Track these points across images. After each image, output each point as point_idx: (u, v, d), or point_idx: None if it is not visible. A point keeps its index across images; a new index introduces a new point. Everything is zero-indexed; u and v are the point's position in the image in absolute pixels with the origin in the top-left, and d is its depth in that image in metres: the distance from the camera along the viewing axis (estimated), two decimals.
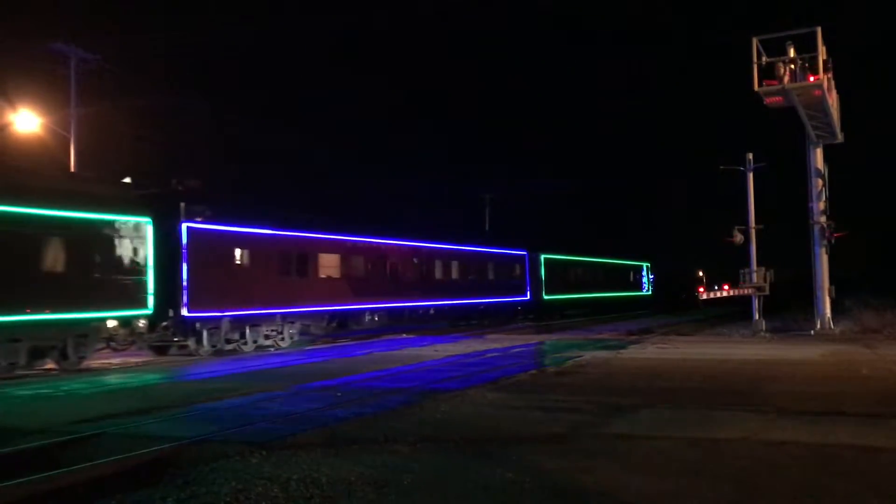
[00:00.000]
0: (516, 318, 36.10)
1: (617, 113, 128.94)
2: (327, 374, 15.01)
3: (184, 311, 18.84)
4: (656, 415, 9.85)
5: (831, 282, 24.89)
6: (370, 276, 26.24)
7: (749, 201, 26.11)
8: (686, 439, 8.21)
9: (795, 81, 22.14)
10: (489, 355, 19.23)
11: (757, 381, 13.12)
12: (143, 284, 17.92)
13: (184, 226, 19.13)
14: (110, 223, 17.31)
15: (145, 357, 19.68)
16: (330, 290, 24.22)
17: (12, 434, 9.16)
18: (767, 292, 25.72)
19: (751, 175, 26.23)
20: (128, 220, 17.71)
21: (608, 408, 10.32)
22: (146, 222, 18.15)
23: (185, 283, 18.84)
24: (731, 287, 27.67)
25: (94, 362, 17.80)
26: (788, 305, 30.62)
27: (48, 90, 30.73)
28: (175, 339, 19.51)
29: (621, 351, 19.55)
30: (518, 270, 37.00)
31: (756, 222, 26.02)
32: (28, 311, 15.35)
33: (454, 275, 31.90)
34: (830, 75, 23.09)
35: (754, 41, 22.77)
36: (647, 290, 56.95)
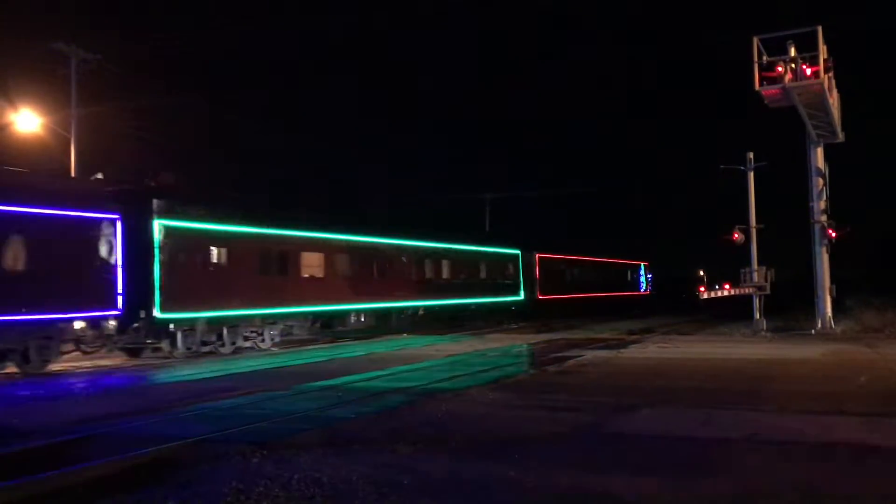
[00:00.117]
0: (510, 319, 35.36)
1: (617, 112, 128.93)
2: (327, 374, 15.00)
3: (156, 312, 18.05)
4: (658, 414, 9.84)
5: (832, 281, 24.88)
6: (356, 276, 25.48)
7: (750, 201, 26.10)
8: (687, 439, 8.20)
9: (796, 81, 22.13)
10: (490, 355, 19.21)
11: (758, 380, 13.11)
12: (112, 284, 17.22)
13: (156, 223, 18.33)
14: (75, 220, 16.63)
15: (118, 359, 18.96)
16: (313, 289, 23.45)
17: (12, 434, 9.15)
18: (768, 292, 25.72)
19: (751, 174, 26.22)
20: (94, 217, 17.04)
21: (610, 407, 10.31)
22: (114, 219, 17.47)
23: (157, 283, 18.09)
24: (731, 286, 27.66)
25: (63, 365, 17.22)
26: (789, 305, 30.58)
27: (49, 90, 30.78)
28: (148, 341, 18.75)
29: (622, 350, 19.54)
30: (511, 270, 36.38)
31: (757, 222, 26.02)
32: None
33: (445, 274, 31.12)
34: (831, 74, 23.08)
35: (755, 40, 22.75)
36: (645, 290, 56.92)
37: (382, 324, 27.11)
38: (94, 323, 17.18)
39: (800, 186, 26.17)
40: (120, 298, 17.40)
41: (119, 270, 17.42)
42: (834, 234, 24.60)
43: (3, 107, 27.79)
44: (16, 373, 15.91)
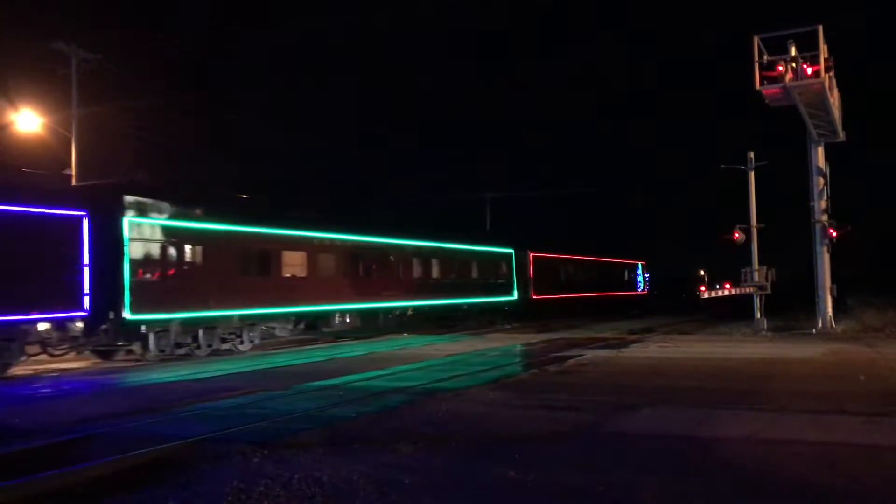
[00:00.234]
0: (503, 319, 34.68)
1: (617, 112, 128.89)
2: (327, 374, 15.00)
3: (126, 313, 17.30)
4: (658, 413, 9.84)
5: (833, 281, 24.88)
6: (340, 275, 24.71)
7: (750, 200, 26.10)
8: (688, 438, 8.20)
9: (797, 80, 22.13)
10: (490, 354, 19.22)
11: (758, 379, 13.11)
12: (78, 284, 16.56)
13: (125, 220, 17.65)
14: (38, 217, 15.96)
15: (88, 362, 18.45)
16: (295, 289, 22.68)
17: (12, 434, 9.15)
18: (769, 291, 25.72)
19: (752, 174, 26.21)
20: (59, 214, 16.39)
21: (610, 406, 10.31)
22: (81, 216, 16.82)
23: (127, 283, 17.39)
24: (732, 286, 27.67)
25: (26, 369, 16.80)
26: (790, 304, 30.58)
27: (49, 90, 30.78)
28: (119, 343, 18.04)
29: (623, 350, 19.53)
30: (505, 269, 35.61)
31: (757, 221, 26.02)
32: None
33: (434, 273, 30.28)
34: (832, 74, 23.08)
35: (756, 40, 22.75)
36: (643, 290, 56.74)
37: (369, 325, 26.43)
38: (59, 324, 16.53)
39: (800, 186, 26.21)
40: (87, 299, 16.72)
41: (86, 270, 16.76)
42: (835, 234, 24.60)
43: (4, 106, 27.80)
44: None
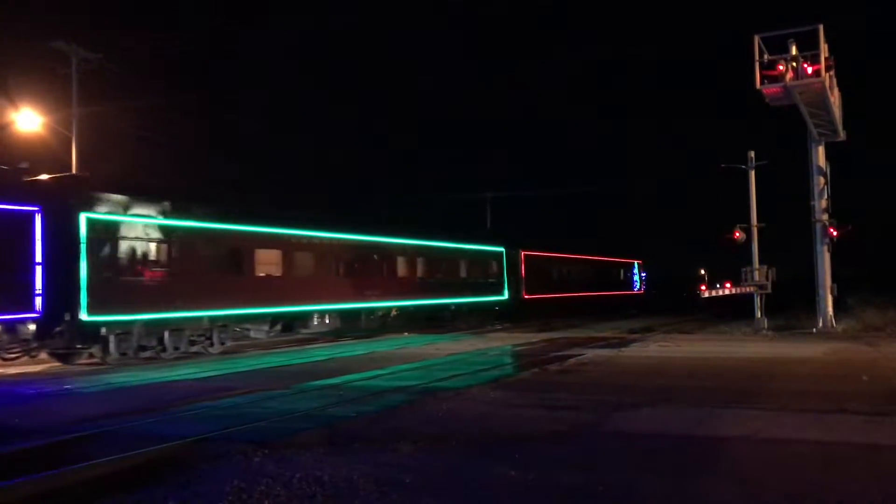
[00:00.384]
0: (493, 319, 34.02)
1: (617, 112, 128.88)
2: (327, 374, 14.99)
3: (82, 315, 16.47)
4: (659, 413, 9.83)
5: (833, 280, 24.88)
6: (319, 274, 23.84)
7: (751, 199, 26.09)
8: (688, 438, 8.19)
9: (797, 79, 22.11)
10: (491, 354, 19.22)
11: (759, 378, 13.10)
12: (29, 283, 15.89)
13: (82, 216, 16.74)
14: None
15: (44, 365, 17.81)
16: (271, 289, 21.80)
17: (13, 434, 9.15)
18: (769, 290, 25.71)
19: (752, 173, 26.20)
20: (7, 210, 15.71)
21: (610, 406, 10.30)
22: (33, 212, 16.12)
23: (84, 283, 16.53)
24: (733, 285, 27.66)
25: None
26: (790, 304, 30.57)
27: (50, 89, 30.79)
28: (77, 347, 17.18)
29: (623, 349, 19.52)
30: (495, 268, 34.70)
31: (758, 220, 26.00)
32: None
33: (420, 272, 29.29)
34: (832, 73, 23.07)
35: (756, 39, 22.74)
36: (639, 289, 56.44)
37: (350, 326, 25.72)
38: (8, 326, 15.84)
39: (801, 185, 26.20)
40: (38, 299, 16.03)
41: (38, 269, 16.04)
42: (835, 233, 24.59)
43: (5, 106, 27.80)
44: None
